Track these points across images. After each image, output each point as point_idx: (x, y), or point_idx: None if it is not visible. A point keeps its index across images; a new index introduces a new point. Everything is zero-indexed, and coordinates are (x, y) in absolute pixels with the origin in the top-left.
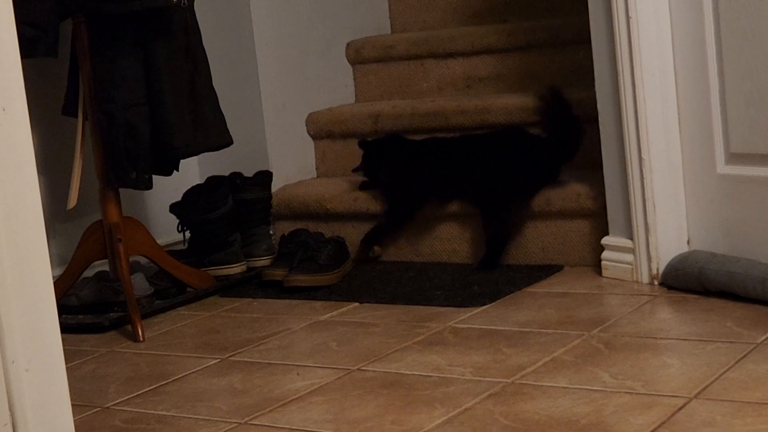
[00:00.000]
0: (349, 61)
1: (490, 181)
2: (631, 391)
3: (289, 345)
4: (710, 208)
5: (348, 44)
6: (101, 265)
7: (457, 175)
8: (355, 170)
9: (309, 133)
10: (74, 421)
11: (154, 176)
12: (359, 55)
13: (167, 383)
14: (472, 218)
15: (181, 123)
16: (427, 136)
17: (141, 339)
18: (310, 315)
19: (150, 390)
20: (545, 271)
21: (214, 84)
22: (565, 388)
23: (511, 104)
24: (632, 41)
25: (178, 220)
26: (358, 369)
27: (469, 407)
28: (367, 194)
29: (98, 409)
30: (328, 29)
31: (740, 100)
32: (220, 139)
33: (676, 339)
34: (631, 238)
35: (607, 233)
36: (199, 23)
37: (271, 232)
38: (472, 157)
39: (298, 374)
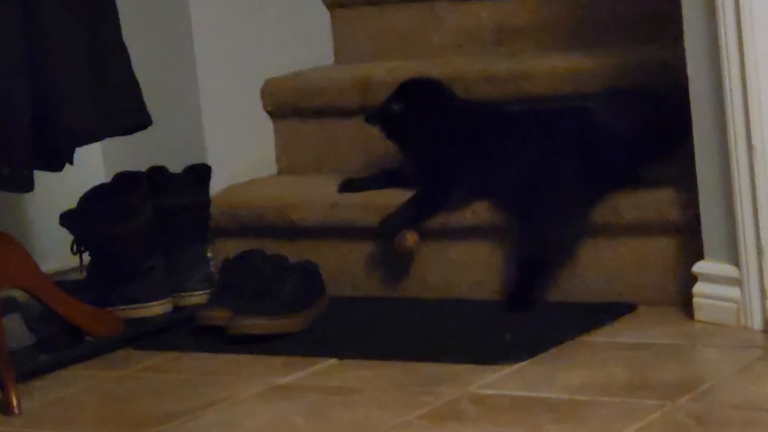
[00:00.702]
0: (325, 3)
1: (533, 176)
2: None
3: (234, 420)
4: None
5: None
6: None
7: (493, 163)
8: (368, 118)
9: (266, 109)
10: None
11: (37, 172)
12: None
13: None
14: (504, 234)
15: (78, 94)
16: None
17: (17, 411)
18: (265, 376)
19: None
20: (610, 311)
21: (124, 39)
22: None
23: (560, 68)
24: None
25: (72, 237)
26: None
27: None
28: (353, 198)
29: None
30: None
31: None
32: (134, 117)
33: None
34: (737, 265)
35: (701, 257)
36: None
37: (209, 254)
38: (513, 139)
39: None
